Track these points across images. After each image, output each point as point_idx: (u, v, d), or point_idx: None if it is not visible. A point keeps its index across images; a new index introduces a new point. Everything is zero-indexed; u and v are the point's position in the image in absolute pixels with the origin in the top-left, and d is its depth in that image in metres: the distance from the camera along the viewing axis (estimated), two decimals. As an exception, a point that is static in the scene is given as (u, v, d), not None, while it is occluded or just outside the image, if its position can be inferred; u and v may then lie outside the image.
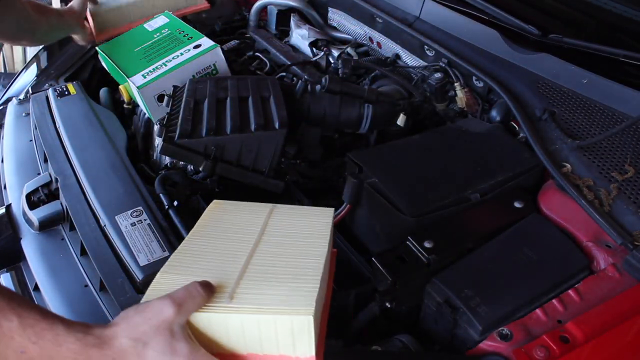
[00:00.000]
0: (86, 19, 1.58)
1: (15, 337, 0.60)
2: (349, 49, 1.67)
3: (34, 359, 0.61)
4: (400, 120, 1.35)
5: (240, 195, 1.24)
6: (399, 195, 1.10)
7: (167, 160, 1.39)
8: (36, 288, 1.18)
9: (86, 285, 1.15)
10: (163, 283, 0.73)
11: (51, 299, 1.12)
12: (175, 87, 1.27)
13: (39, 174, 1.41)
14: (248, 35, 1.85)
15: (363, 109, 1.29)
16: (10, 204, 1.35)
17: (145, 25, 1.63)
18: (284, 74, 1.61)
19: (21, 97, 1.71)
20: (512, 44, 1.41)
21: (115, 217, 1.21)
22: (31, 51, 3.33)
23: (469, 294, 0.96)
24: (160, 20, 1.64)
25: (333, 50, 1.68)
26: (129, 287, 1.09)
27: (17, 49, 3.91)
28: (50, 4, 3.26)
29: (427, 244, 1.03)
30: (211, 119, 1.09)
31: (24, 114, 1.63)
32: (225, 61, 1.48)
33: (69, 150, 1.37)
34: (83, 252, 1.20)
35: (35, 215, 1.27)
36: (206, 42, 1.48)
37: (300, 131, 1.24)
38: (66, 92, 1.61)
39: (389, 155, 1.21)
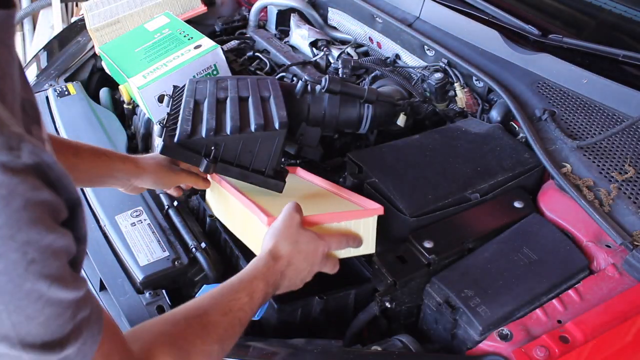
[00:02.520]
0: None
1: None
2: (349, 49, 1.67)
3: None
4: (400, 120, 1.35)
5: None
6: (399, 195, 1.10)
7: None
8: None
9: (86, 285, 1.15)
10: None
11: (51, 299, 1.12)
12: (175, 87, 1.27)
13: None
14: (248, 35, 1.85)
15: (363, 109, 1.29)
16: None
17: (146, 26, 1.63)
18: (284, 74, 1.60)
19: (21, 97, 1.71)
20: (512, 44, 1.41)
21: (115, 217, 1.21)
22: (31, 51, 3.33)
23: (469, 294, 0.96)
24: (160, 21, 1.64)
25: (333, 50, 1.68)
26: (129, 287, 1.09)
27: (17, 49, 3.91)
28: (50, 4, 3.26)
29: (427, 244, 1.03)
30: (211, 119, 1.09)
31: (24, 114, 1.63)
32: (225, 61, 1.48)
33: (69, 150, 1.37)
34: (83, 252, 1.20)
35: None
36: (206, 42, 1.48)
37: (300, 131, 1.24)
38: (66, 92, 1.61)
39: (389, 155, 1.21)
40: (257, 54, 1.74)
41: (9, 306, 0.51)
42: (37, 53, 1.96)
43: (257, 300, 0.86)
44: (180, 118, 1.11)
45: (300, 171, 1.29)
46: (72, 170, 1.00)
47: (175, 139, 1.07)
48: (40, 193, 0.52)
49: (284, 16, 1.85)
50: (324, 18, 1.81)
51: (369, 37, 1.66)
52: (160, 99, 1.40)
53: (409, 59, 1.55)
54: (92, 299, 0.60)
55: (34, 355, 0.54)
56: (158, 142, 1.48)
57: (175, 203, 1.27)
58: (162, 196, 1.28)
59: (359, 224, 1.04)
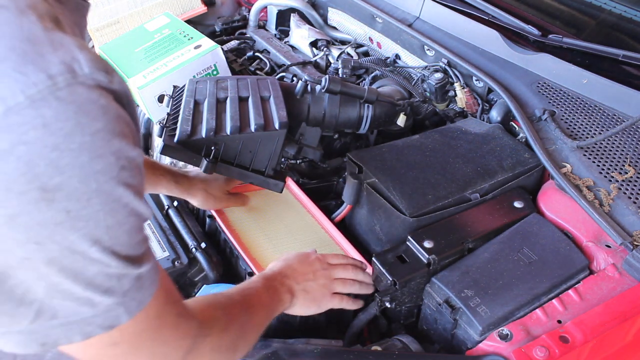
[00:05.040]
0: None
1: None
2: (349, 49, 1.67)
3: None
4: (400, 120, 1.35)
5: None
6: (399, 195, 1.10)
7: (167, 160, 1.39)
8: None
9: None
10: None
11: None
12: (175, 87, 1.27)
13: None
14: (248, 35, 1.85)
15: (363, 109, 1.29)
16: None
17: (146, 26, 1.63)
18: (284, 74, 1.61)
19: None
20: (512, 44, 1.41)
21: (115, 217, 1.20)
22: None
23: (469, 294, 0.96)
24: (160, 21, 1.64)
25: (333, 50, 1.68)
26: (129, 287, 1.08)
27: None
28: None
29: (427, 244, 1.03)
30: (211, 119, 1.09)
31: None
32: (225, 61, 1.48)
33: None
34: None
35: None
36: (206, 42, 1.48)
37: (300, 131, 1.24)
38: (66, 92, 1.61)
39: (389, 155, 1.21)
40: (257, 54, 1.74)
41: (105, 207, 0.54)
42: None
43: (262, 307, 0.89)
44: (180, 118, 1.11)
45: (292, 185, 1.30)
46: None
47: (175, 139, 1.07)
48: (126, 116, 0.57)
49: (284, 16, 1.85)
50: (324, 18, 1.81)
51: (369, 37, 1.66)
52: (160, 99, 1.40)
53: (409, 59, 1.55)
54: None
55: (119, 264, 0.57)
56: (158, 142, 1.48)
57: (175, 203, 1.27)
58: (162, 196, 1.28)
59: None
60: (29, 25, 0.51)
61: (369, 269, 1.08)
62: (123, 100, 0.58)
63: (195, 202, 1.20)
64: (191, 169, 1.24)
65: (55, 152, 0.50)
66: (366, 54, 1.70)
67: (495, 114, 1.34)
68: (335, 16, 1.77)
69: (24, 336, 0.57)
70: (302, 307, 0.97)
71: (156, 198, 1.28)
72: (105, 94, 0.54)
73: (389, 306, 1.02)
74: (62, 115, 0.50)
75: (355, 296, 1.04)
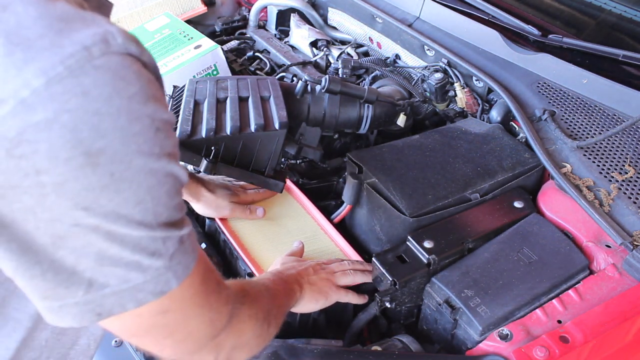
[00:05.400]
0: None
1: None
2: (349, 49, 1.67)
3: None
4: (400, 120, 1.35)
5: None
6: (399, 195, 1.10)
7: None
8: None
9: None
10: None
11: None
12: (175, 87, 1.27)
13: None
14: (248, 35, 1.85)
15: (363, 109, 1.29)
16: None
17: (146, 26, 1.63)
18: (284, 74, 1.61)
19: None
20: (512, 44, 1.41)
21: (116, 217, 1.20)
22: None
23: (469, 294, 0.96)
24: (160, 21, 1.64)
25: (333, 50, 1.68)
26: (129, 287, 1.08)
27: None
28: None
29: (427, 244, 1.03)
30: (211, 119, 1.09)
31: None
32: (225, 61, 1.48)
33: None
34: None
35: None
36: (206, 42, 1.48)
37: (300, 131, 1.24)
38: (66, 92, 1.61)
39: (389, 155, 1.21)
40: (257, 54, 1.74)
41: (144, 167, 0.56)
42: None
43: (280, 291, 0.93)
44: (180, 118, 1.11)
45: (291, 186, 1.30)
46: None
47: (175, 139, 1.07)
48: (157, 84, 0.60)
49: (284, 16, 1.85)
50: (324, 18, 1.81)
51: (369, 37, 1.66)
52: (160, 99, 1.40)
53: (409, 59, 1.55)
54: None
55: (162, 226, 0.59)
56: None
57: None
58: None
59: None
60: (61, 7, 0.54)
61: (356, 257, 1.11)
62: (154, 71, 0.61)
63: (197, 207, 1.19)
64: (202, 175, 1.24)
65: (97, 116, 0.52)
66: (366, 54, 1.70)
67: (495, 114, 1.34)
68: (335, 16, 1.77)
69: (80, 307, 0.59)
70: (310, 300, 0.99)
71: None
72: (137, 62, 0.57)
73: (389, 306, 1.02)
74: (100, 82, 0.53)
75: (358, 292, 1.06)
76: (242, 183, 1.25)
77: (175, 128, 0.61)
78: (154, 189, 0.58)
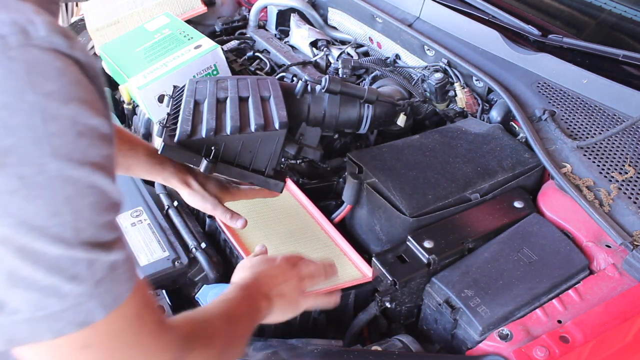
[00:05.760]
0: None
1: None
2: (349, 49, 1.67)
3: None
4: (400, 120, 1.35)
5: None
6: (399, 195, 1.10)
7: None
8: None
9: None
10: None
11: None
12: (175, 87, 1.27)
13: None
14: (248, 35, 1.85)
15: (363, 109, 1.29)
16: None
17: (146, 26, 1.63)
18: (284, 74, 1.60)
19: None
20: (512, 44, 1.41)
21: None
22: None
23: (469, 294, 0.96)
24: (160, 21, 1.64)
25: (333, 50, 1.68)
26: (129, 287, 1.08)
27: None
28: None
29: (427, 244, 1.03)
30: (211, 119, 1.09)
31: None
32: (225, 61, 1.48)
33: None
34: (83, 252, 1.20)
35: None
36: (207, 42, 1.48)
37: (300, 131, 1.24)
38: (66, 92, 1.61)
39: (389, 155, 1.21)
40: (257, 54, 1.74)
41: (61, 174, 0.50)
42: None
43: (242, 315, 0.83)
44: (180, 118, 1.11)
45: (291, 186, 1.30)
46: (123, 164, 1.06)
47: (176, 139, 1.07)
48: (89, 85, 0.54)
49: (284, 16, 1.85)
50: (324, 18, 1.81)
51: (369, 37, 1.66)
52: (160, 99, 1.40)
53: (409, 59, 1.55)
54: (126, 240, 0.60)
55: (85, 245, 0.52)
56: (158, 142, 1.48)
57: (175, 203, 1.27)
58: (162, 196, 1.28)
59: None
60: None
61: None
62: (89, 71, 0.55)
63: (184, 194, 1.14)
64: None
65: (5, 111, 0.47)
66: (366, 54, 1.70)
67: (495, 114, 1.34)
68: (335, 16, 1.77)
69: None
70: (280, 313, 0.92)
71: (156, 198, 1.28)
72: (64, 58, 0.51)
73: (389, 306, 1.02)
74: (13, 74, 0.48)
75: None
76: (236, 181, 1.21)
77: (111, 139, 0.56)
78: (73, 201, 0.51)
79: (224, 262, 1.16)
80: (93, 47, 1.78)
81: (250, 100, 1.16)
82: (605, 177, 1.12)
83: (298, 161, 1.38)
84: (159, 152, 1.07)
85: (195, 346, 0.67)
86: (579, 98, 1.30)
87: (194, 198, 1.14)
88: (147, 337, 0.61)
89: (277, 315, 0.91)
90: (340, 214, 1.23)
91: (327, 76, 1.25)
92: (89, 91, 0.54)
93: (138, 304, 0.59)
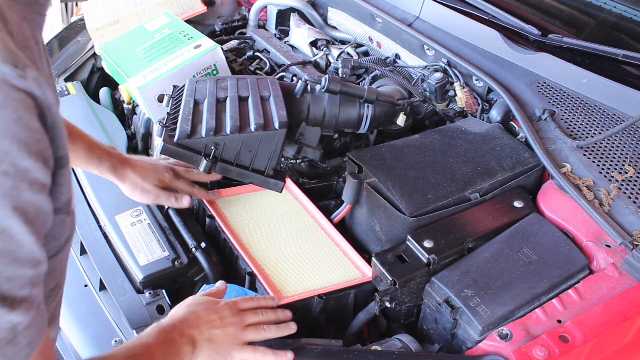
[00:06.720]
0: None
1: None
2: (349, 49, 1.67)
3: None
4: (400, 120, 1.35)
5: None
6: (399, 195, 1.10)
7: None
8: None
9: (86, 285, 1.16)
10: None
11: (51, 299, 1.12)
12: (175, 87, 1.27)
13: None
14: (248, 35, 1.85)
15: (363, 109, 1.29)
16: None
17: (146, 26, 1.63)
18: (284, 74, 1.61)
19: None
20: (512, 44, 1.41)
21: (115, 217, 1.21)
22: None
23: (469, 293, 0.96)
24: (160, 21, 1.64)
25: (333, 50, 1.68)
26: (129, 287, 1.09)
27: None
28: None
29: (427, 244, 1.03)
30: (211, 119, 1.09)
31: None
32: (225, 61, 1.48)
33: (69, 150, 1.37)
34: (83, 252, 1.20)
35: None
36: (207, 42, 1.48)
37: (300, 131, 1.24)
38: (66, 92, 1.61)
39: (389, 155, 1.21)
40: (257, 54, 1.74)
41: None
42: (37, 53, 1.96)
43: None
44: (180, 118, 1.11)
45: (291, 186, 1.30)
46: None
47: (176, 139, 1.07)
48: (33, 122, 0.49)
49: (284, 16, 1.85)
50: (324, 18, 1.81)
51: (369, 37, 1.66)
52: (160, 99, 1.40)
53: (409, 59, 1.55)
54: (42, 304, 0.54)
55: None
56: (158, 142, 1.48)
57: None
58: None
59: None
60: None
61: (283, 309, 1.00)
62: (40, 106, 0.51)
63: (124, 189, 1.17)
64: (138, 157, 1.21)
65: None
66: (366, 54, 1.70)
67: (495, 114, 1.34)
68: (335, 16, 1.77)
69: None
70: (206, 359, 0.87)
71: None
72: (9, 90, 0.47)
73: (389, 306, 1.02)
74: None
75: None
76: (172, 165, 1.21)
77: (43, 187, 0.52)
78: None
79: (224, 262, 1.16)
80: (93, 47, 1.78)
81: (250, 100, 1.16)
82: (605, 177, 1.12)
83: (298, 161, 1.38)
84: (159, 152, 1.07)
85: None
86: (579, 98, 1.30)
87: (135, 192, 1.15)
88: None
89: None
90: (340, 214, 1.23)
91: (327, 76, 1.25)
92: (30, 129, 0.49)
93: None
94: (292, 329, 0.96)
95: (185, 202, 1.18)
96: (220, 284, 1.02)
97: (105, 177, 1.16)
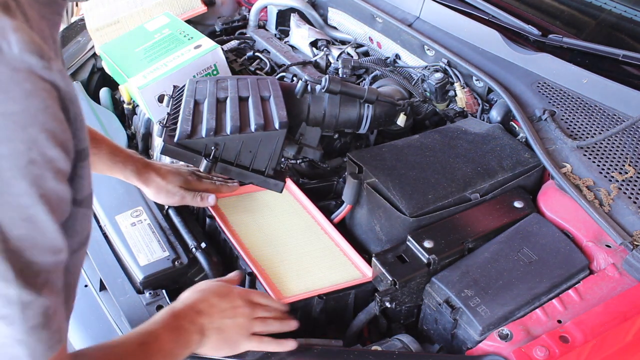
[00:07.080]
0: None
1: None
2: (349, 49, 1.67)
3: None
4: (400, 120, 1.35)
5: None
6: (399, 195, 1.10)
7: (167, 160, 1.39)
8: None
9: (86, 285, 1.16)
10: None
11: (51, 299, 1.12)
12: (175, 87, 1.27)
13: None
14: (248, 35, 1.85)
15: (363, 109, 1.29)
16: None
17: (146, 26, 1.63)
18: (284, 74, 1.61)
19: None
20: (512, 44, 1.41)
21: (115, 217, 1.21)
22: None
23: (469, 293, 0.96)
24: (160, 21, 1.64)
25: (333, 50, 1.68)
26: (129, 287, 1.09)
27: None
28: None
29: (427, 244, 1.03)
30: (211, 119, 1.09)
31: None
32: (225, 61, 1.48)
33: (69, 150, 1.37)
34: (83, 252, 1.20)
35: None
36: (207, 42, 1.48)
37: (300, 131, 1.24)
38: (66, 92, 1.61)
39: (389, 155, 1.21)
40: (257, 54, 1.74)
41: (3, 198, 0.48)
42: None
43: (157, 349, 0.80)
44: (180, 118, 1.11)
45: (291, 186, 1.30)
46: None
47: (176, 139, 1.07)
48: (59, 112, 0.52)
49: (284, 16, 1.85)
50: (324, 18, 1.81)
51: (369, 37, 1.66)
52: (160, 99, 1.40)
53: (409, 59, 1.55)
54: (61, 292, 0.56)
55: (18, 280, 0.49)
56: (158, 142, 1.48)
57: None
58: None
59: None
60: None
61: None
62: (64, 97, 0.53)
63: (148, 193, 1.18)
64: (159, 162, 1.22)
65: None
66: (366, 54, 1.70)
67: (495, 114, 1.34)
68: (335, 16, 1.77)
69: None
70: (212, 348, 0.88)
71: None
72: (36, 80, 0.49)
73: (389, 306, 1.02)
74: None
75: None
76: (194, 168, 1.22)
77: (65, 177, 0.54)
78: (5, 227, 0.48)
79: (224, 262, 1.16)
80: (93, 47, 1.78)
81: (250, 100, 1.16)
82: (605, 177, 1.12)
83: (298, 161, 1.38)
84: (159, 152, 1.07)
85: None
86: (579, 98, 1.30)
87: (160, 194, 1.16)
88: None
89: (209, 350, 0.88)
90: (340, 214, 1.23)
91: (327, 76, 1.25)
92: (56, 119, 0.51)
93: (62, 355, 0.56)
94: (293, 326, 0.97)
95: (211, 201, 1.19)
96: (235, 273, 1.03)
97: (129, 182, 1.17)
